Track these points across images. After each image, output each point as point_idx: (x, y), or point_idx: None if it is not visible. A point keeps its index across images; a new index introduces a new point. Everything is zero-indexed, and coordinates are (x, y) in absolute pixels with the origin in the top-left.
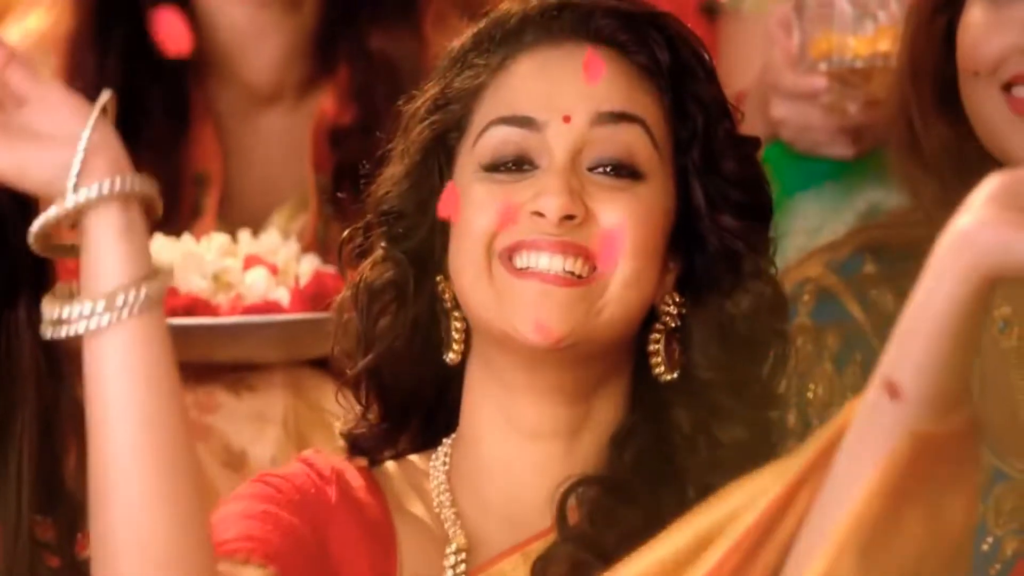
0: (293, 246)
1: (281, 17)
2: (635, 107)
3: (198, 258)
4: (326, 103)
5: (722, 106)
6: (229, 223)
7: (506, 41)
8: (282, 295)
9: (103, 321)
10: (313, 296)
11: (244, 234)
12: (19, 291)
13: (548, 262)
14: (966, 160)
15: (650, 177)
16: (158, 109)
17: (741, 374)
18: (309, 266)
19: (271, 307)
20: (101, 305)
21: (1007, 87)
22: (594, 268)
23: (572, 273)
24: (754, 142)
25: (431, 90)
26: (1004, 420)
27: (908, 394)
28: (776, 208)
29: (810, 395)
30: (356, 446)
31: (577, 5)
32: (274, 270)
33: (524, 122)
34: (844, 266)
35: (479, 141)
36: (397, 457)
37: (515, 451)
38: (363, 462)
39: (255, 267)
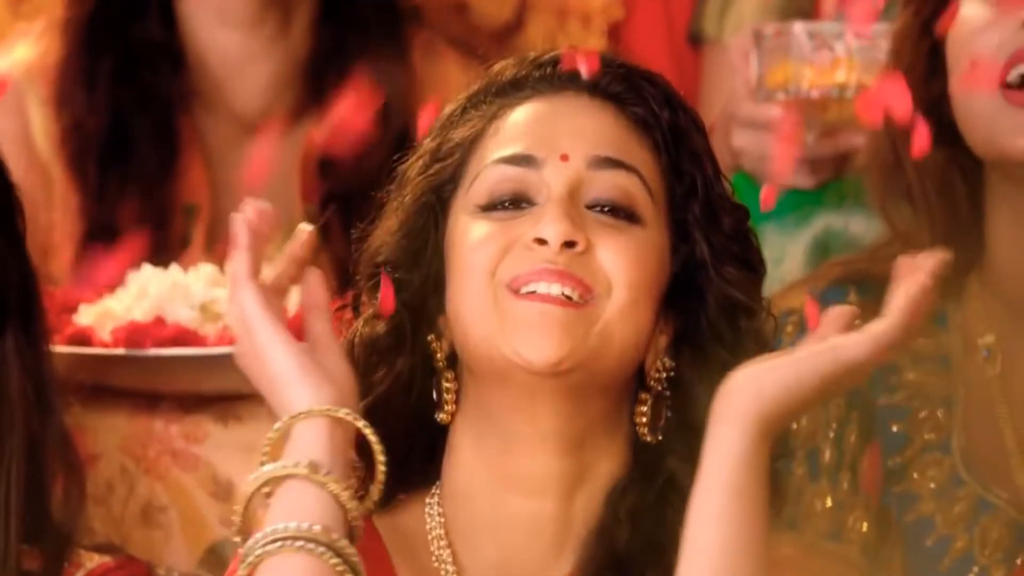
0: None
1: (270, 44)
2: (631, 157)
3: (186, 288)
4: (314, 132)
5: (717, 166)
6: (217, 253)
7: (503, 93)
8: None
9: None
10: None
11: None
12: (7, 322)
13: (547, 287)
14: (949, 184)
15: (647, 224)
16: (147, 139)
17: None
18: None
19: None
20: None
21: (1003, 79)
22: (587, 302)
23: (570, 298)
24: (745, 209)
25: (427, 146)
26: (988, 449)
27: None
28: None
29: (794, 425)
30: None
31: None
32: None
33: (522, 160)
34: (827, 296)
35: (475, 183)
36: None
37: (509, 510)
38: None
39: None
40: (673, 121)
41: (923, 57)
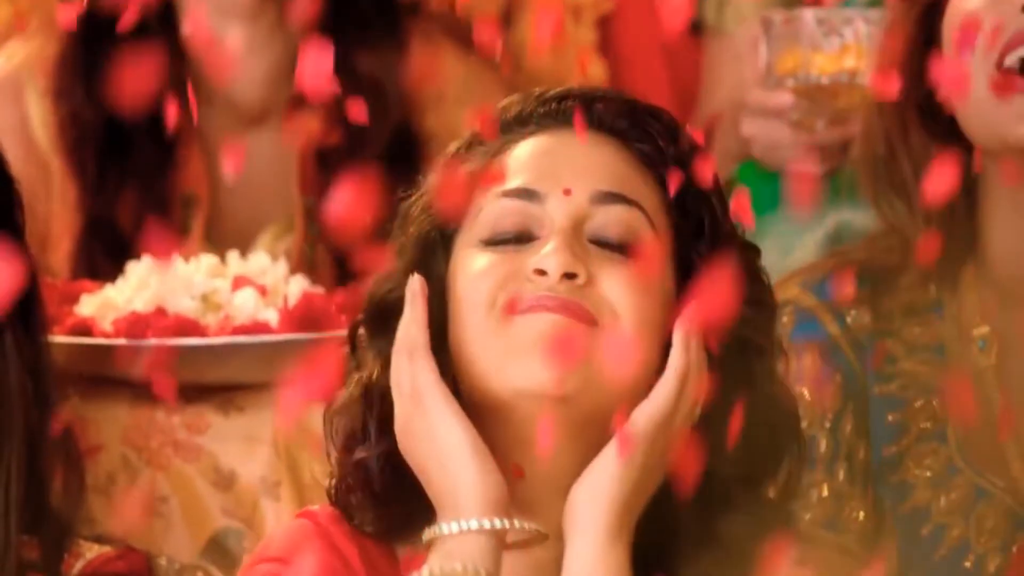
0: (281, 267)
1: (269, 36)
2: (634, 192)
3: (186, 279)
4: (313, 124)
5: (724, 202)
6: (216, 244)
7: (508, 128)
8: (271, 316)
9: None
10: (302, 317)
11: (233, 255)
12: (6, 316)
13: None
14: None
15: (651, 259)
16: (145, 131)
17: (759, 469)
18: (297, 287)
19: (260, 328)
20: None
21: (1000, 65)
22: (591, 325)
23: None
24: (755, 247)
25: (430, 182)
26: (983, 437)
27: None
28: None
29: None
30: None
31: (578, 94)
32: (263, 291)
33: (524, 194)
34: (821, 287)
35: (479, 217)
36: None
37: (510, 553)
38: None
39: (244, 288)
40: (679, 157)
41: (918, 48)
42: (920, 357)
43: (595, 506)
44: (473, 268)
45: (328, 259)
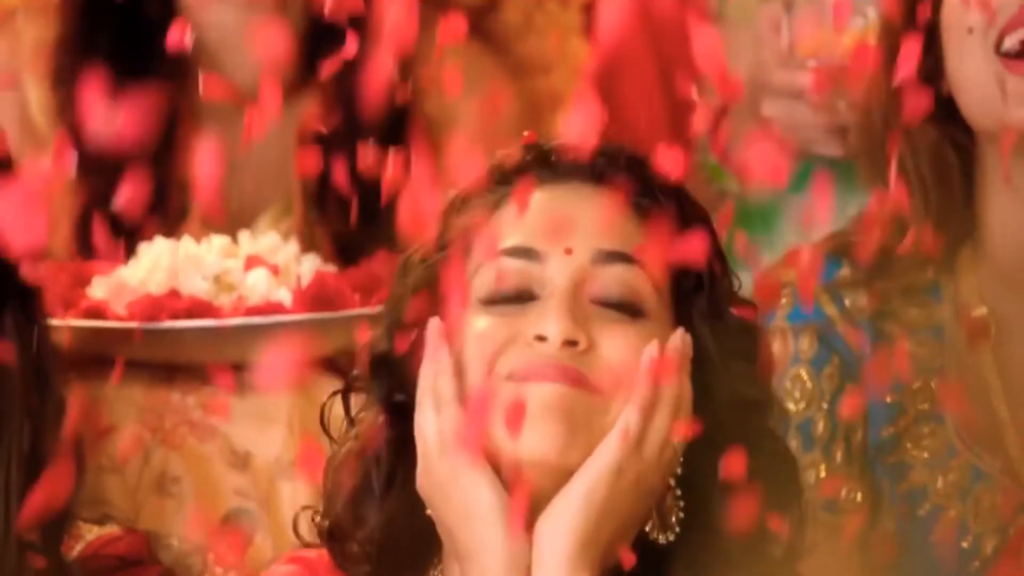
0: (293, 247)
1: (268, 20)
2: (636, 250)
3: (198, 260)
4: (311, 108)
5: (723, 259)
6: (215, 227)
7: (506, 180)
8: (284, 296)
9: None
10: (315, 296)
11: (244, 235)
12: (6, 301)
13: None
14: (943, 159)
15: (652, 317)
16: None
17: (760, 527)
18: (310, 266)
19: (273, 308)
20: None
21: (998, 47)
22: (593, 393)
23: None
24: (753, 304)
25: (429, 234)
26: (981, 419)
27: None
28: (767, 206)
29: (791, 407)
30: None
31: (576, 147)
32: (275, 271)
33: (525, 253)
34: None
35: (477, 275)
36: None
37: None
38: None
39: (256, 268)
40: (679, 213)
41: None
42: (918, 339)
43: (556, 538)
44: (473, 330)
45: (327, 242)
